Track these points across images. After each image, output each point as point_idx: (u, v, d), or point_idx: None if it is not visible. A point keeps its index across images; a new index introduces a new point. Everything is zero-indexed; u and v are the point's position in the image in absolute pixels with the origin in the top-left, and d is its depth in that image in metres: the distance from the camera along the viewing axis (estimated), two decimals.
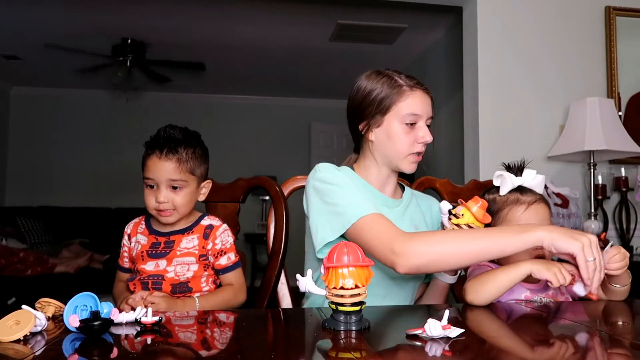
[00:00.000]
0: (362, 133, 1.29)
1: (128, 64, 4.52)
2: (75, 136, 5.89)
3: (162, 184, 1.27)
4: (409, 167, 1.27)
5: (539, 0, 2.81)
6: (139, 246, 1.36)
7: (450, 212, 0.94)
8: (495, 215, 1.19)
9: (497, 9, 2.78)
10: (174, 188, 1.27)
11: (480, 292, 1.04)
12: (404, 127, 1.23)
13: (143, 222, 1.39)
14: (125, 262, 1.42)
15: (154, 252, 1.33)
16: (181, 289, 1.30)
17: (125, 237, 1.42)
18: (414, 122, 1.23)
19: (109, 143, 5.88)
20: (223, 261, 1.33)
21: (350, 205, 1.13)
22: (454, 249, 1.03)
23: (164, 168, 1.26)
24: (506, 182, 1.19)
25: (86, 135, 5.90)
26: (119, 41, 4.40)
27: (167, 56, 4.52)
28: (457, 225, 1.01)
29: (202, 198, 1.37)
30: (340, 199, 1.16)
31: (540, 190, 1.19)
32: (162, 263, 1.31)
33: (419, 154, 1.26)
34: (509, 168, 1.21)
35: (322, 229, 1.17)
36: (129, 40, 4.41)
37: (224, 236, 1.35)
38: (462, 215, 0.94)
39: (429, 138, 1.24)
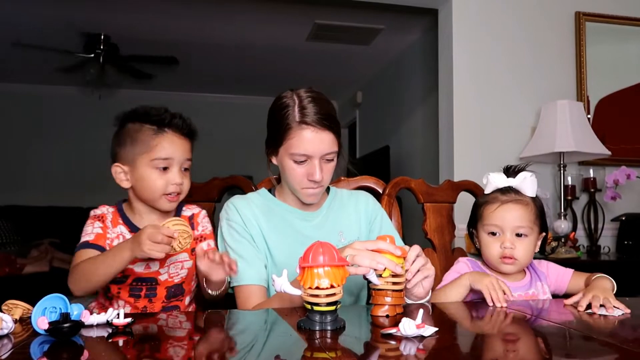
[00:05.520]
0: (267, 155, 1.26)
1: (101, 60, 4.42)
2: (46, 134, 5.73)
3: (177, 165, 1.19)
4: (307, 199, 1.24)
5: (512, 5, 2.87)
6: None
7: (375, 270, 0.91)
8: (476, 215, 1.24)
9: (472, 12, 2.82)
10: (185, 170, 1.21)
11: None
12: (294, 164, 1.18)
13: (120, 217, 1.22)
14: (108, 244, 1.18)
15: None
16: (176, 293, 1.21)
17: (107, 221, 1.21)
18: (303, 160, 1.18)
19: (80, 141, 5.73)
20: (204, 247, 1.22)
21: (239, 271, 1.15)
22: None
23: (182, 147, 1.20)
24: (489, 183, 1.23)
25: (57, 133, 5.74)
26: (91, 37, 4.31)
27: (142, 53, 4.43)
28: (393, 275, 0.91)
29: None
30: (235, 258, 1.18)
31: (529, 191, 1.20)
32: (154, 265, 1.18)
33: (314, 187, 1.21)
34: (507, 170, 1.23)
35: None
36: (102, 36, 4.31)
37: (204, 222, 1.28)
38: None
39: (317, 177, 1.17)
